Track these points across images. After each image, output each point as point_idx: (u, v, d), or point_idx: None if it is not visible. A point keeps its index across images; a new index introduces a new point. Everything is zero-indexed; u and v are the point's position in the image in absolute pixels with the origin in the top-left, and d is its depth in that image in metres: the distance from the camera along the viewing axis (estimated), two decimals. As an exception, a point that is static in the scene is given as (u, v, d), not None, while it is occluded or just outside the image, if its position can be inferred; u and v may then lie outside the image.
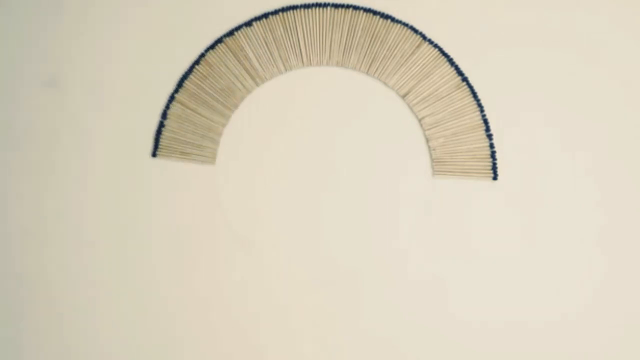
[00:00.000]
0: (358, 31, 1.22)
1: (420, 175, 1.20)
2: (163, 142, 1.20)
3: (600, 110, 1.21)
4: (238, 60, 1.22)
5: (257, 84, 1.22)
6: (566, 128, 1.21)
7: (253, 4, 1.23)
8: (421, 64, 1.21)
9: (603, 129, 1.21)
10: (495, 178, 1.19)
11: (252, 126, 1.21)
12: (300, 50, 1.22)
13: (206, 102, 1.21)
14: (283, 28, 1.22)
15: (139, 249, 1.19)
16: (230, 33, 1.22)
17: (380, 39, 1.21)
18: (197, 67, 1.21)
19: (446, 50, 1.22)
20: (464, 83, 1.21)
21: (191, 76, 1.21)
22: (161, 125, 1.20)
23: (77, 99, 1.22)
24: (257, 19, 1.22)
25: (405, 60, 1.21)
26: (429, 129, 1.20)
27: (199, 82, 1.21)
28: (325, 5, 1.22)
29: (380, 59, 1.21)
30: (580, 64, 1.22)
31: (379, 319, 1.17)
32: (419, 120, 1.20)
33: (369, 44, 1.21)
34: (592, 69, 1.22)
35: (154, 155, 1.20)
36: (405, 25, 1.22)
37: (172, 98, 1.21)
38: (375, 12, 1.22)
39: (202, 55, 1.21)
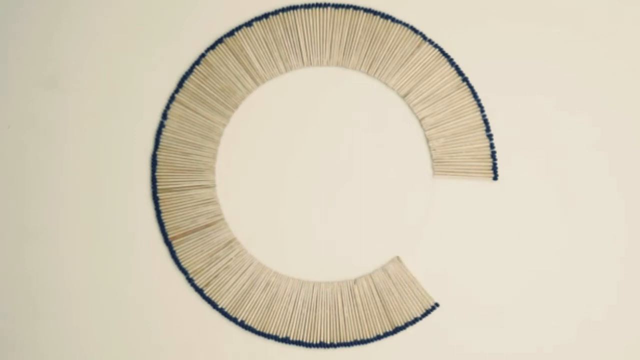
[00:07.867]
0: (358, 31, 1.22)
1: (420, 175, 1.20)
2: (163, 142, 1.20)
3: (601, 110, 1.21)
4: (238, 61, 1.22)
5: (257, 84, 1.22)
6: (566, 128, 1.21)
7: (253, 4, 1.23)
8: (421, 64, 1.21)
9: (604, 129, 1.21)
10: (495, 178, 1.19)
11: (253, 126, 1.21)
12: (301, 50, 1.22)
13: (206, 102, 1.21)
14: (283, 28, 1.22)
15: (139, 250, 1.19)
16: (231, 33, 1.22)
17: (381, 39, 1.21)
18: (197, 67, 1.21)
19: (446, 50, 1.22)
20: (464, 83, 1.21)
21: (191, 76, 1.21)
22: (161, 126, 1.20)
23: (77, 99, 1.22)
24: (258, 19, 1.22)
25: (406, 61, 1.21)
26: (429, 129, 1.20)
27: (200, 82, 1.21)
28: (326, 5, 1.22)
29: (380, 59, 1.21)
30: (582, 64, 1.22)
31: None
32: (419, 121, 1.20)
33: (369, 44, 1.22)
34: (593, 69, 1.22)
35: (154, 155, 1.19)
36: (406, 25, 1.22)
37: (172, 98, 1.21)
38: (375, 12, 1.22)
39: (203, 55, 1.21)
